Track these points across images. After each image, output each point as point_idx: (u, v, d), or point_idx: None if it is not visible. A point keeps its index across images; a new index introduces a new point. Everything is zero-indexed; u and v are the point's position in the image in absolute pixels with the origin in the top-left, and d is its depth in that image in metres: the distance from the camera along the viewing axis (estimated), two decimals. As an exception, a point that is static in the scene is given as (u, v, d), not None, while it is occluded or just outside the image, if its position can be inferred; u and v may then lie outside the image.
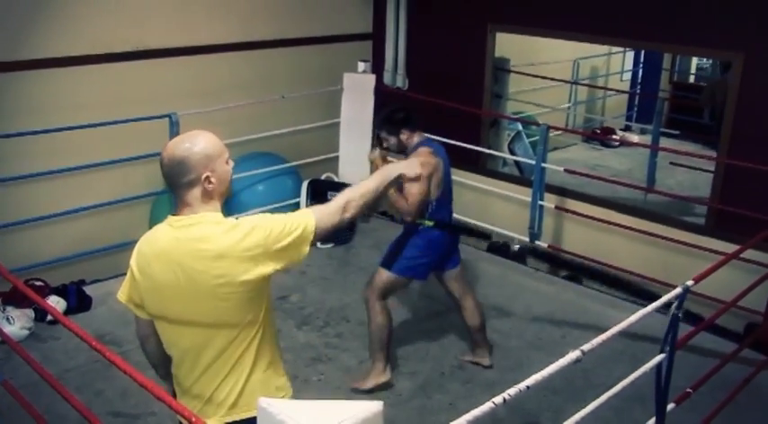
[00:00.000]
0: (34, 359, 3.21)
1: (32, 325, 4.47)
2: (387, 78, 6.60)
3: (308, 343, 4.53)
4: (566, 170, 5.50)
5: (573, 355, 2.22)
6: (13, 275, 3.26)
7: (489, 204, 6.04)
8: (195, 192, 2.19)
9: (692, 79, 9.79)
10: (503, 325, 4.83)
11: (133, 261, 2.29)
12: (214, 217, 2.20)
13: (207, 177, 2.19)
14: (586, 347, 2.27)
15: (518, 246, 4.73)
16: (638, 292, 5.28)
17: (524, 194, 5.62)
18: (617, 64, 9.30)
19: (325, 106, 6.25)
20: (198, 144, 2.20)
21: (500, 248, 5.99)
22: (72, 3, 4.91)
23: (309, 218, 2.24)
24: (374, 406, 1.70)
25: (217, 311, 2.18)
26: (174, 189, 2.23)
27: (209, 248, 2.13)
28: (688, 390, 3.12)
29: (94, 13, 5.01)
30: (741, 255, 3.58)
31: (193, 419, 1.81)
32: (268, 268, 2.16)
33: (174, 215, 2.24)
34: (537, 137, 5.67)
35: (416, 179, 3.33)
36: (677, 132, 7.99)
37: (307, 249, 2.23)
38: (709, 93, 8.04)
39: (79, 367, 4.13)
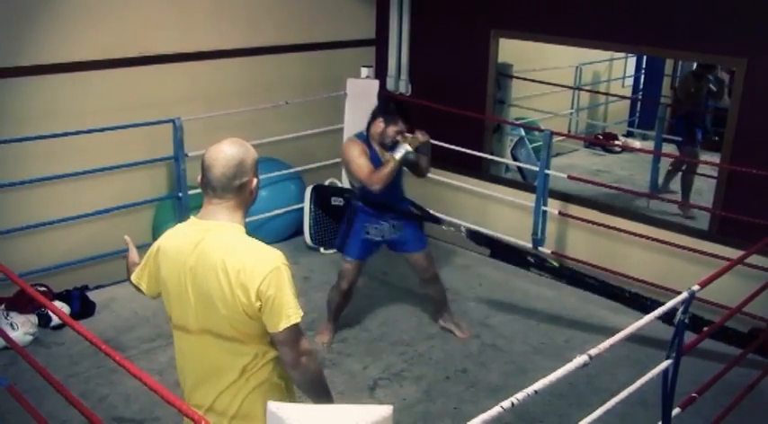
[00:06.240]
0: (39, 364, 3.21)
1: (36, 331, 4.47)
2: (390, 84, 6.61)
3: (312, 348, 4.52)
4: (569, 176, 5.51)
5: (580, 360, 2.21)
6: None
7: (492, 209, 6.04)
8: (240, 197, 2.17)
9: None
10: (506, 330, 4.82)
11: (154, 253, 2.30)
12: (239, 229, 2.19)
13: (256, 183, 2.19)
14: (593, 352, 2.26)
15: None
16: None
17: (527, 200, 5.63)
18: (619, 69, 9.30)
19: (329, 112, 6.26)
20: (250, 149, 2.20)
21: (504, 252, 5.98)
22: (76, 8, 4.92)
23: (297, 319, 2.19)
24: (384, 410, 1.69)
25: (208, 319, 2.16)
26: (219, 192, 2.15)
27: (226, 259, 2.10)
28: (693, 395, 3.11)
29: (98, 19, 5.02)
30: (745, 260, 3.58)
31: (203, 423, 1.81)
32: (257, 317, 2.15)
33: (197, 217, 2.22)
34: (540, 143, 5.67)
35: None
36: (679, 139, 7.98)
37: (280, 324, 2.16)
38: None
39: (83, 373, 4.13)
